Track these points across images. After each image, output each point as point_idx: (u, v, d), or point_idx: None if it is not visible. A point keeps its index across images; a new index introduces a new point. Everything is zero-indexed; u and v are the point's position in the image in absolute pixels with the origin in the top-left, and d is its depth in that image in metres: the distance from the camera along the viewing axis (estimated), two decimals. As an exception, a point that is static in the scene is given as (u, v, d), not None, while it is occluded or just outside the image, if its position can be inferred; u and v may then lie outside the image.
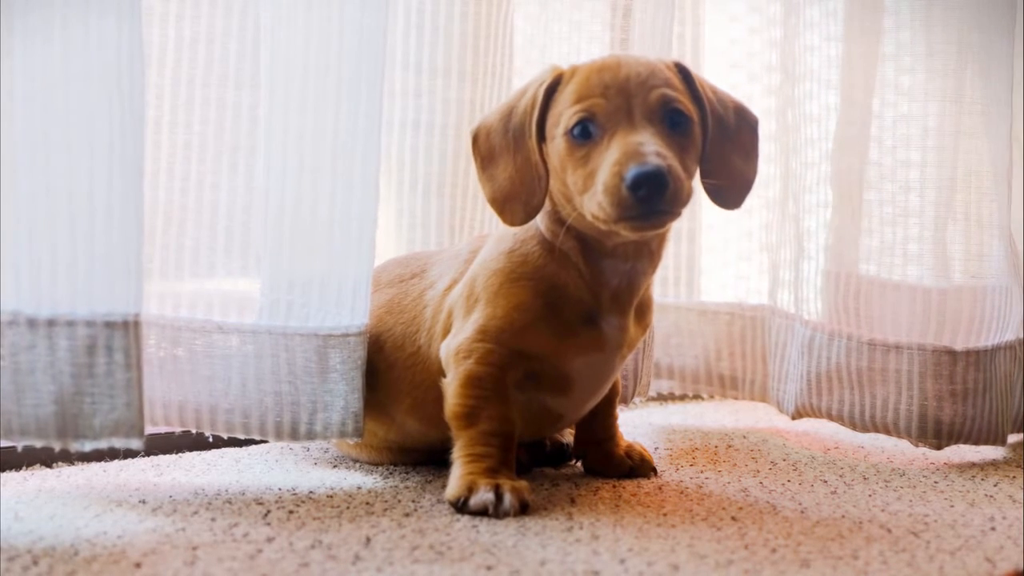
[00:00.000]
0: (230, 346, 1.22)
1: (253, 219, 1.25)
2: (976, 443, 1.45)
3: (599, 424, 1.31)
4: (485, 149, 1.19)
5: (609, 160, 1.07)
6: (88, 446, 1.07)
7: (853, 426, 1.49)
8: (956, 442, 1.44)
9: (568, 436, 1.39)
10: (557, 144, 1.13)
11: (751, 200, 1.69)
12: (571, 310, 1.17)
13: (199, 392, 1.23)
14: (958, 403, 1.44)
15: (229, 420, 1.23)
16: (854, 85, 1.51)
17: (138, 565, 0.94)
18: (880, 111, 1.50)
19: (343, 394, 1.23)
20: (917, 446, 1.47)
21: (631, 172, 1.04)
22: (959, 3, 1.46)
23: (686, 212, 1.68)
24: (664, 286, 1.71)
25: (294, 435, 1.23)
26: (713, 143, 1.17)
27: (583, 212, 1.11)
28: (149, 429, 1.34)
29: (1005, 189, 1.50)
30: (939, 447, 1.45)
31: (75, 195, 1.06)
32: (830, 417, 1.51)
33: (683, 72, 1.17)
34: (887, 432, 1.47)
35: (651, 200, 1.05)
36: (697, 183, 1.17)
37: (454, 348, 1.18)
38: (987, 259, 1.50)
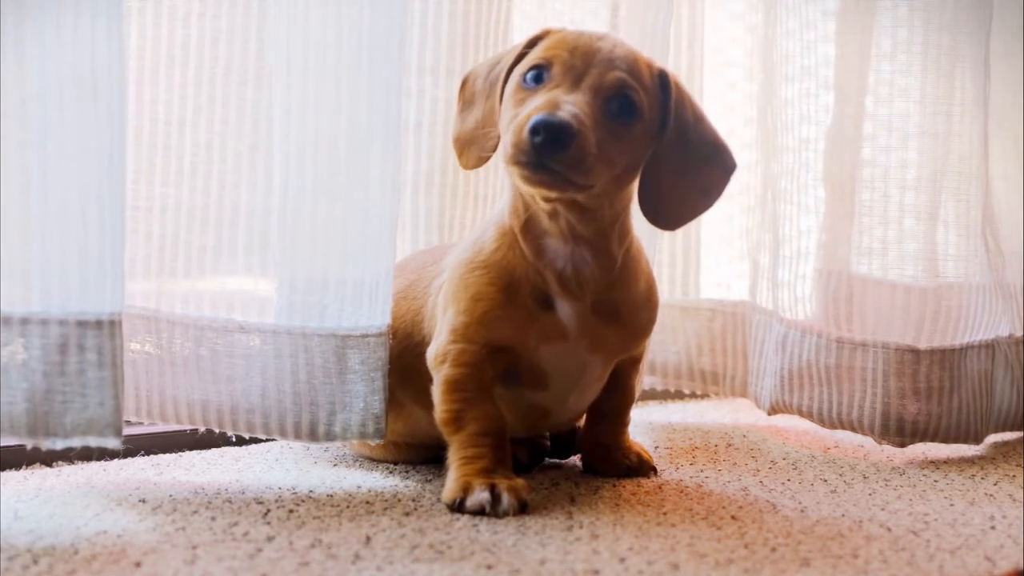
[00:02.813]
0: (251, 346, 1.23)
1: (272, 218, 1.25)
2: (945, 441, 1.46)
3: (603, 429, 1.31)
4: (469, 93, 1.22)
5: (531, 105, 1.09)
6: (60, 444, 1.06)
7: (821, 422, 1.51)
8: (921, 440, 1.45)
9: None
10: (510, 85, 1.15)
11: (746, 198, 1.70)
12: (525, 293, 1.17)
13: (220, 391, 1.23)
14: (922, 401, 1.44)
15: (250, 420, 1.23)
16: (846, 84, 1.51)
17: (138, 564, 0.94)
18: (873, 110, 1.50)
19: (362, 395, 1.23)
20: (880, 443, 1.48)
21: (535, 117, 1.05)
22: (951, 4, 1.46)
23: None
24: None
25: (313, 436, 1.23)
26: (665, 161, 1.16)
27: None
28: (157, 427, 1.35)
29: (979, 188, 1.51)
30: (902, 445, 1.46)
31: (50, 195, 1.06)
32: (800, 413, 1.52)
33: (663, 81, 1.16)
34: (852, 429, 1.48)
35: (544, 150, 1.05)
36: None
37: (433, 354, 1.19)
38: (957, 259, 1.51)
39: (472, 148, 1.20)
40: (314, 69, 1.21)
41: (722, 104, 1.75)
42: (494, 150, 1.18)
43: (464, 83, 1.23)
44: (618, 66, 1.11)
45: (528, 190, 1.13)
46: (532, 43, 1.17)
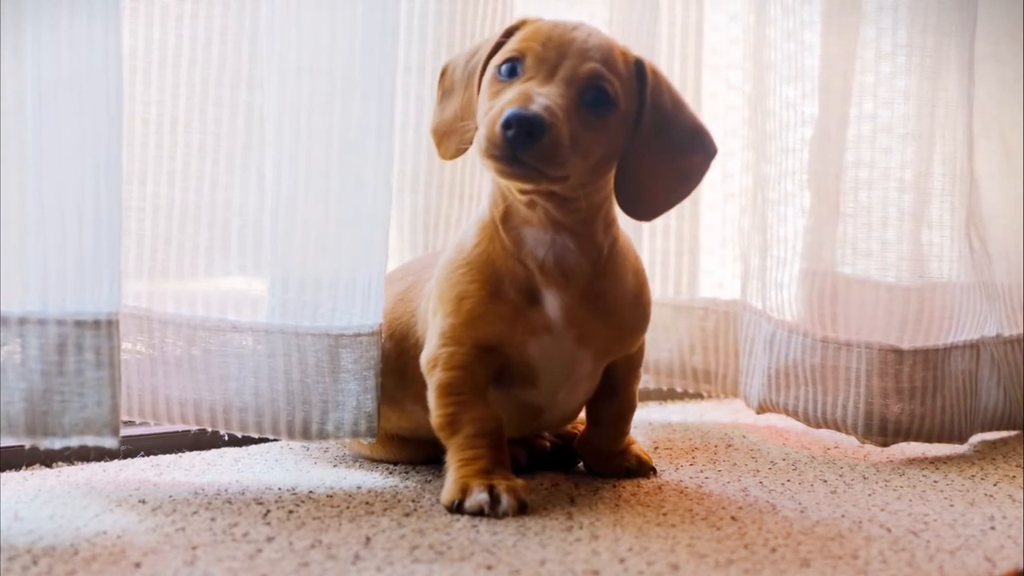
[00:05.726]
0: (244, 345, 1.23)
1: (264, 218, 1.26)
2: (928, 441, 1.47)
3: (602, 436, 1.30)
4: (448, 83, 1.22)
5: (504, 98, 1.09)
6: (58, 444, 1.07)
7: (807, 422, 1.51)
8: (904, 440, 1.46)
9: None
10: (487, 76, 1.15)
11: (743, 199, 1.70)
12: (509, 287, 1.17)
13: (213, 390, 1.23)
14: (905, 401, 1.45)
15: (243, 419, 1.24)
16: (831, 85, 1.52)
17: (138, 565, 0.94)
18: (858, 112, 1.51)
19: (355, 394, 1.23)
20: (863, 443, 1.48)
21: (508, 111, 1.05)
22: (935, 6, 1.47)
23: (673, 211, 1.71)
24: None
25: (306, 434, 1.24)
26: (643, 149, 1.15)
27: None
28: (157, 428, 1.35)
29: (963, 189, 1.51)
30: (885, 444, 1.47)
31: (47, 195, 1.06)
32: (787, 412, 1.53)
33: (639, 70, 1.16)
34: (837, 428, 1.49)
35: (516, 144, 1.05)
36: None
37: (425, 359, 1.19)
38: (941, 259, 1.52)
39: (450, 138, 1.20)
40: (307, 69, 1.21)
41: (722, 104, 1.75)
42: (471, 142, 1.16)
43: (443, 73, 1.23)
44: (592, 56, 1.11)
45: (503, 182, 1.14)
46: (509, 32, 1.17)
